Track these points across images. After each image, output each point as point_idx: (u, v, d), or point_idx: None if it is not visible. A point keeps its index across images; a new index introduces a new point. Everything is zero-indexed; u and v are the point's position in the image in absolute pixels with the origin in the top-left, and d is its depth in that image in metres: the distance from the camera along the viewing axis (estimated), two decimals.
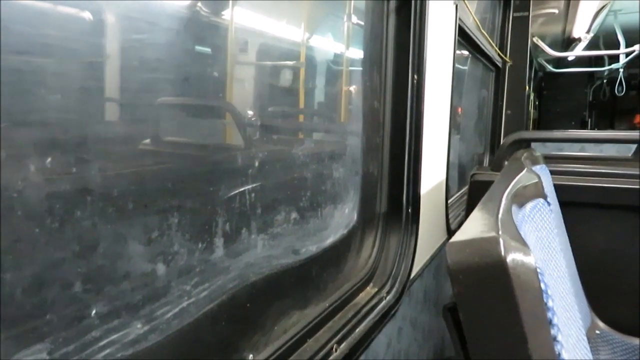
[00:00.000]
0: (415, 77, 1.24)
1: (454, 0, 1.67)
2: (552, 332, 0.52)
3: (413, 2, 1.22)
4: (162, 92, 0.64)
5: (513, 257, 0.50)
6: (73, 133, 0.51)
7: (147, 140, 0.64)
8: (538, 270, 0.53)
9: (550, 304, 0.53)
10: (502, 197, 0.73)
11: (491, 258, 0.50)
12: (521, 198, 0.87)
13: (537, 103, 9.54)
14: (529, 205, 0.89)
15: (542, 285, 0.52)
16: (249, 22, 0.87)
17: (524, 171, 1.01)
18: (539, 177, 1.05)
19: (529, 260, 0.52)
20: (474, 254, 0.52)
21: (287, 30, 1.00)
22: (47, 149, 0.47)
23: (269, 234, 0.84)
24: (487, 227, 0.57)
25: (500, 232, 0.53)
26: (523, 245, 0.53)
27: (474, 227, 0.61)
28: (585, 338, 0.96)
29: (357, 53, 1.24)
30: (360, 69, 1.23)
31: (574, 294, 1.08)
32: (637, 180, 1.62)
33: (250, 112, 0.88)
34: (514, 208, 0.78)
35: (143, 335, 0.56)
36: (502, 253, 0.50)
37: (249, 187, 0.78)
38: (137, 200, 0.57)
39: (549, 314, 0.53)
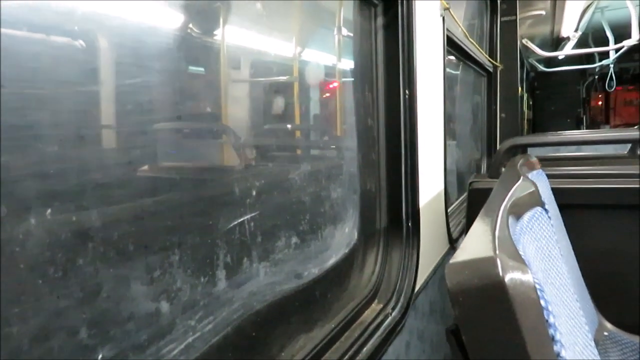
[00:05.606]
0: (407, 92, 1.26)
1: (441, 12, 1.69)
2: (555, 348, 0.53)
3: (400, 18, 1.23)
4: (152, 114, 0.64)
5: (511, 277, 0.51)
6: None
7: (144, 167, 0.64)
8: (537, 287, 0.53)
9: (551, 320, 0.53)
10: (498, 211, 0.73)
11: (489, 279, 0.51)
12: (518, 209, 0.88)
13: (531, 103, 9.58)
14: (526, 216, 0.89)
15: (543, 302, 0.53)
16: (241, 41, 0.87)
17: (520, 181, 1.01)
18: (535, 185, 1.06)
19: (528, 278, 0.52)
20: (473, 275, 0.52)
21: (280, 50, 1.02)
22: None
23: (271, 261, 0.85)
24: (485, 245, 0.57)
25: (497, 252, 0.53)
26: (521, 263, 0.54)
27: (472, 245, 0.62)
28: (592, 343, 0.96)
29: (348, 72, 1.26)
30: (352, 87, 1.24)
31: (578, 299, 1.08)
32: (636, 179, 1.63)
33: (246, 133, 0.89)
34: (512, 220, 0.78)
35: None
36: (500, 273, 0.51)
37: (248, 216, 0.78)
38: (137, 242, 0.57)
39: (551, 331, 0.53)
